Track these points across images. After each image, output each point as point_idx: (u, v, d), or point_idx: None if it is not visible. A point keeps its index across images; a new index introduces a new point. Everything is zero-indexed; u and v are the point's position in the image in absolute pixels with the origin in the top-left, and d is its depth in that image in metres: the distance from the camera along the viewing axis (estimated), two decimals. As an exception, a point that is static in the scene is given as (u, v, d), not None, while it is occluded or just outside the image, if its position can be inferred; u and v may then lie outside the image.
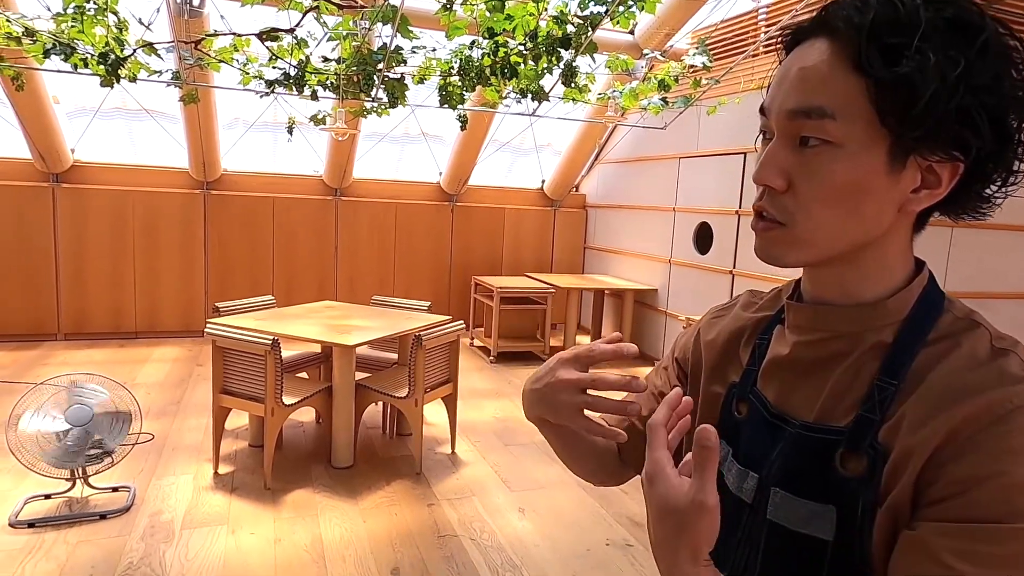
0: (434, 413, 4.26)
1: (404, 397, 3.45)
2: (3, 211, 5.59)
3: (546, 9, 3.52)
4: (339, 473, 3.47)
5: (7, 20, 3.40)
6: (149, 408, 4.21)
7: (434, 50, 3.97)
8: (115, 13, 3.40)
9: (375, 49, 3.87)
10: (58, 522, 2.81)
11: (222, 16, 3.88)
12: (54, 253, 5.78)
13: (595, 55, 3.76)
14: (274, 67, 3.92)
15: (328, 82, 4.01)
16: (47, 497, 2.98)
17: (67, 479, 2.93)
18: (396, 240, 6.88)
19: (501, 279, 6.46)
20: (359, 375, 3.64)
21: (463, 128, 4.69)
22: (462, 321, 3.82)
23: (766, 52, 4.92)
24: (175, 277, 6.16)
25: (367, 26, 3.67)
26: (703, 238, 5.54)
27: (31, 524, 2.78)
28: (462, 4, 3.45)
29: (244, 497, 3.16)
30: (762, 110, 0.62)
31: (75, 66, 3.52)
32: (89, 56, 3.48)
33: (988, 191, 0.59)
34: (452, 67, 4.05)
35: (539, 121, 6.21)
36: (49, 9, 3.44)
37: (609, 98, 4.90)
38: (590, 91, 4.51)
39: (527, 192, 7.47)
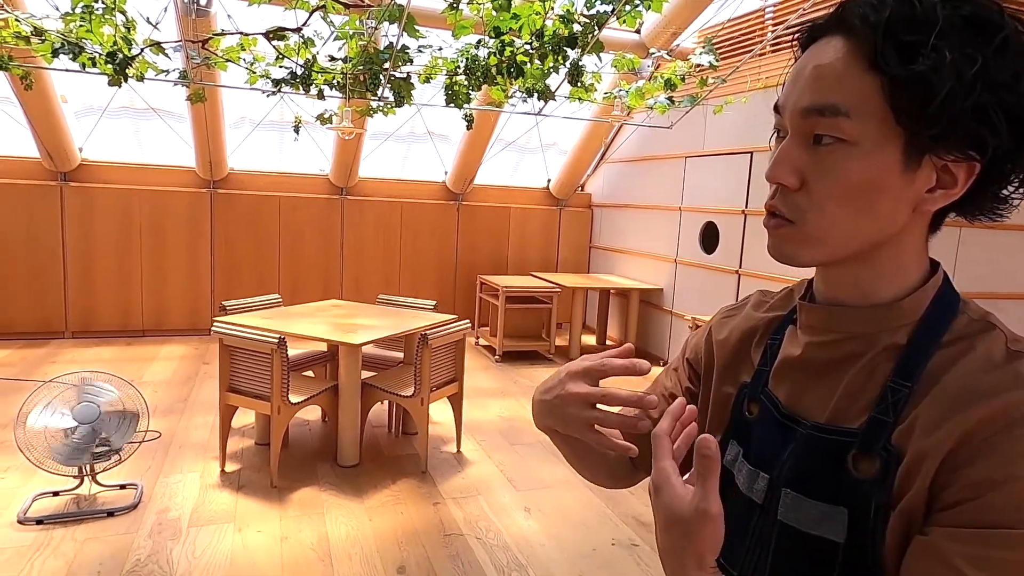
0: (439, 412, 4.26)
1: (410, 396, 3.46)
2: (11, 210, 5.62)
3: (552, 8, 3.52)
4: (345, 472, 3.48)
5: (16, 20, 3.42)
6: (156, 406, 4.23)
7: (440, 49, 3.98)
8: (123, 12, 3.42)
9: (381, 48, 3.87)
10: (66, 519, 2.83)
11: (229, 15, 3.89)
12: (62, 251, 5.81)
13: (601, 54, 3.75)
14: (281, 66, 3.93)
15: (334, 81, 4.02)
16: (55, 494, 2.99)
17: (75, 476, 2.95)
18: (402, 239, 6.88)
19: (506, 278, 6.46)
20: (365, 374, 3.64)
21: (469, 127, 4.70)
22: (468, 320, 3.82)
23: (773, 51, 4.90)
24: (182, 276, 6.18)
25: (373, 25, 3.68)
26: (709, 238, 5.53)
27: (39, 521, 2.80)
28: (468, 3, 3.45)
29: (250, 495, 3.17)
30: (776, 108, 0.61)
31: (83, 65, 3.53)
32: (97, 55, 3.50)
33: (1005, 191, 0.58)
34: (458, 66, 4.05)
35: (545, 120, 6.20)
36: (57, 9, 3.46)
37: (615, 97, 4.90)
38: (596, 90, 4.50)
39: (533, 191, 7.47)
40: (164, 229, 6.08)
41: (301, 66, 3.89)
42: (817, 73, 0.57)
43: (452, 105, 4.23)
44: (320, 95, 4.04)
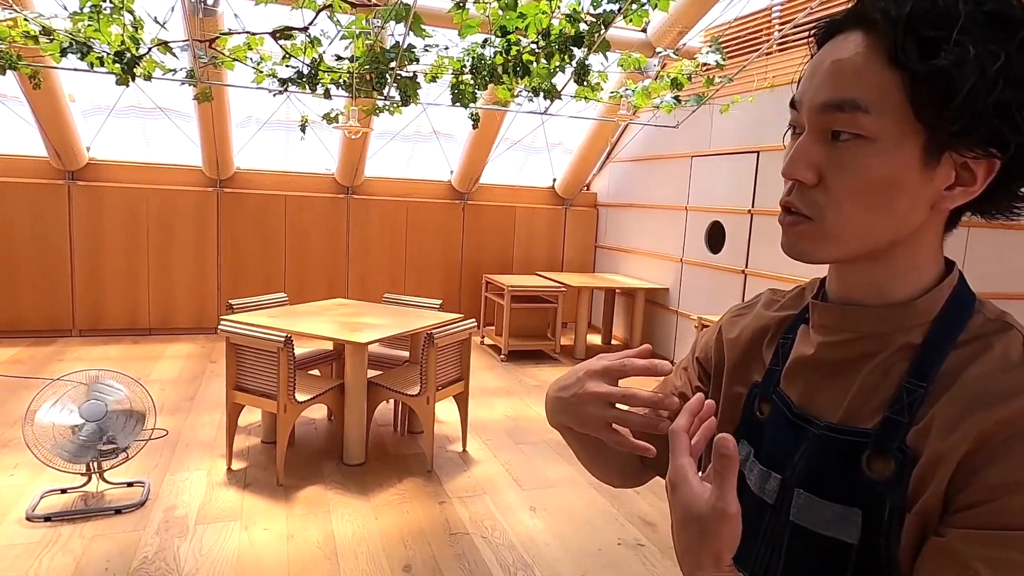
0: (445, 411, 4.26)
1: (416, 395, 3.46)
2: (20, 208, 5.65)
3: (559, 7, 3.51)
4: (351, 470, 3.48)
5: (25, 19, 3.44)
6: (163, 404, 4.25)
7: (446, 48, 3.98)
8: (131, 12, 3.43)
9: (388, 47, 3.88)
10: (74, 516, 2.84)
11: (236, 15, 3.90)
12: (69, 250, 5.84)
13: (608, 53, 3.75)
14: (287, 65, 3.94)
15: (341, 80, 4.02)
16: (63, 492, 3.01)
17: (83, 474, 2.96)
18: (407, 238, 6.89)
19: (512, 278, 6.46)
20: (371, 373, 3.65)
21: (475, 126, 4.70)
22: (473, 319, 3.82)
23: (780, 50, 4.88)
24: (189, 274, 6.21)
25: (380, 24, 3.68)
26: (715, 237, 5.51)
27: (47, 518, 2.81)
28: (475, 2, 3.44)
29: (257, 493, 3.18)
30: (793, 104, 0.61)
31: (91, 64, 3.55)
32: (105, 55, 3.52)
33: None
34: (464, 65, 4.05)
35: (551, 119, 6.20)
36: (66, 8, 3.47)
37: (621, 96, 4.89)
38: (602, 89, 4.50)
39: (538, 191, 7.46)
40: (171, 228, 6.10)
41: (308, 65, 3.90)
42: (836, 68, 0.56)
43: (458, 104, 4.23)
44: (326, 94, 4.05)
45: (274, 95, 4.12)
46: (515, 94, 4.35)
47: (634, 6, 3.41)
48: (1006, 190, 0.57)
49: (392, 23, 3.53)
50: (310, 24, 3.64)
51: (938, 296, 0.60)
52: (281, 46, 3.78)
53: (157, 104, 5.58)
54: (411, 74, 4.06)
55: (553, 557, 2.77)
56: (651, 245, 6.48)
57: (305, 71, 3.92)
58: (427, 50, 3.91)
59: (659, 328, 6.27)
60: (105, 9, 3.36)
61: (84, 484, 3.00)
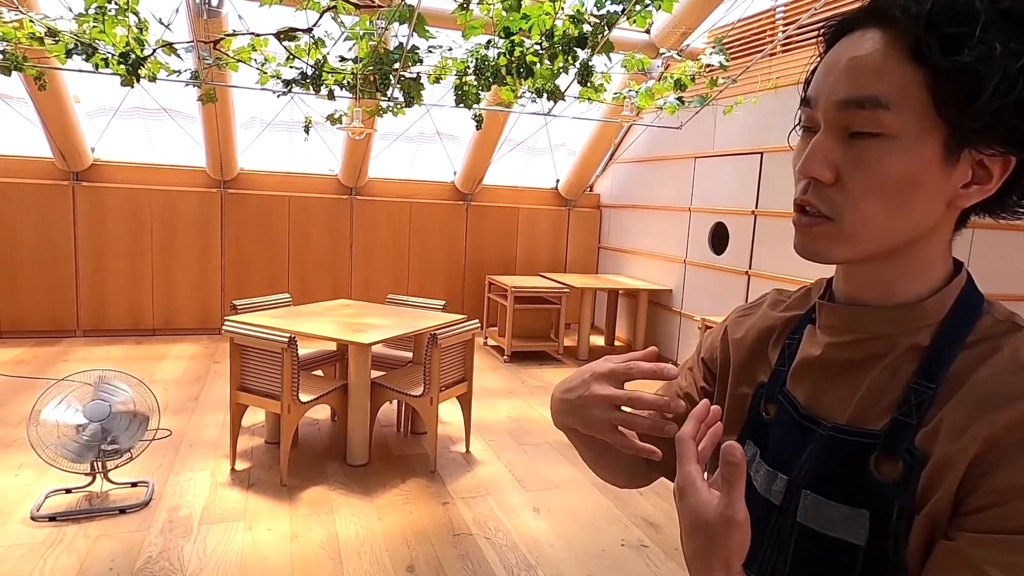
0: (448, 412, 4.27)
1: (419, 396, 3.46)
2: (24, 209, 5.67)
3: (562, 8, 3.52)
4: (354, 471, 3.49)
5: (30, 21, 3.45)
6: (167, 404, 4.26)
7: (450, 49, 3.98)
8: (135, 13, 3.45)
9: (391, 48, 3.88)
10: (78, 516, 2.85)
11: (240, 16, 3.91)
12: (74, 251, 5.85)
13: (611, 54, 3.75)
14: (291, 67, 3.95)
15: (345, 81, 4.03)
16: (68, 491, 3.02)
17: (87, 474, 2.97)
18: (411, 239, 6.90)
19: (515, 278, 6.46)
20: (374, 373, 3.65)
21: (478, 127, 4.70)
22: (476, 320, 3.82)
23: (784, 51, 4.88)
24: (192, 275, 6.22)
25: (384, 26, 3.69)
26: (719, 238, 5.51)
27: (52, 518, 2.82)
28: (478, 3, 3.45)
29: (260, 493, 3.18)
30: (805, 101, 0.60)
31: (96, 66, 3.56)
32: (110, 56, 3.53)
33: None
34: (468, 66, 4.05)
35: (554, 120, 6.20)
36: (71, 10, 3.49)
37: (625, 97, 4.89)
38: (606, 90, 4.50)
39: (541, 192, 7.46)
40: (175, 228, 6.11)
41: (312, 66, 3.91)
42: (854, 65, 0.56)
43: (462, 105, 4.24)
44: (330, 95, 4.06)
45: (278, 96, 4.13)
46: (518, 95, 4.36)
47: (638, 7, 3.41)
48: (1019, 189, 0.57)
49: (396, 24, 3.54)
50: (314, 25, 3.64)
51: (946, 297, 0.60)
52: (285, 47, 3.79)
53: (161, 105, 5.60)
54: (415, 75, 4.07)
55: (556, 558, 2.76)
56: (654, 246, 6.47)
57: (309, 72, 3.93)
58: (431, 51, 3.92)
59: (662, 329, 6.26)
60: (110, 10, 3.37)
61: (88, 484, 3.01)
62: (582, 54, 3.75)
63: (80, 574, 2.46)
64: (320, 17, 3.55)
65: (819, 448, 0.62)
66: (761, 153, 4.96)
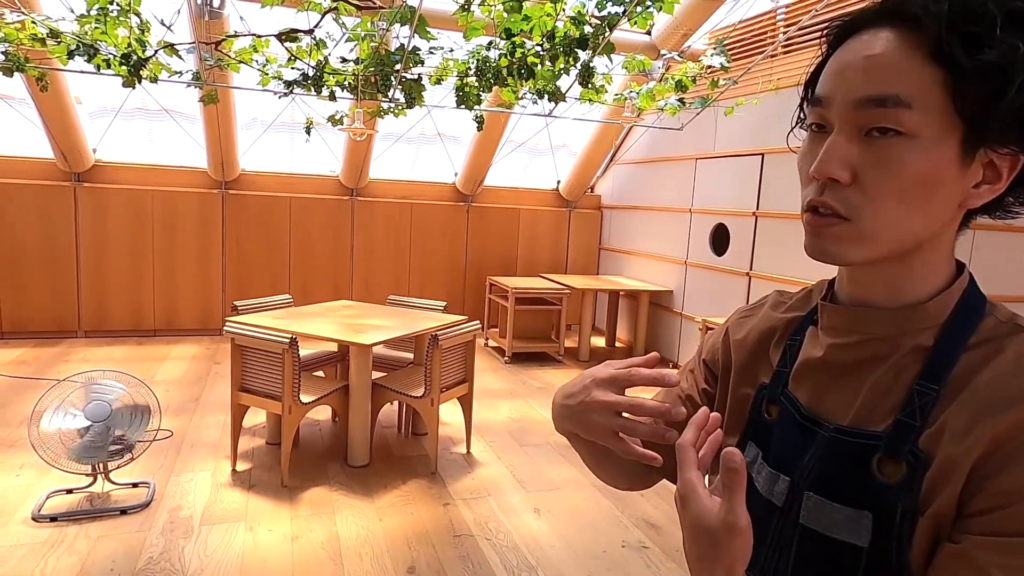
0: (449, 413, 4.27)
1: (420, 397, 3.46)
2: (26, 210, 5.67)
3: (563, 10, 3.52)
4: (355, 472, 3.49)
5: (32, 22, 3.46)
6: (168, 405, 4.26)
7: (451, 51, 3.99)
8: (137, 15, 3.45)
9: (393, 50, 3.89)
10: (79, 517, 2.85)
11: (241, 17, 3.92)
12: (75, 251, 5.86)
13: (612, 56, 3.75)
14: (293, 68, 3.96)
15: (346, 83, 4.03)
16: (69, 492, 3.02)
17: (88, 474, 2.97)
18: (412, 240, 6.90)
19: (516, 280, 6.47)
20: (375, 374, 3.65)
21: (479, 129, 4.71)
22: (477, 321, 3.82)
23: (785, 53, 4.88)
24: (193, 276, 6.22)
25: (385, 27, 3.69)
26: (719, 239, 5.51)
27: (53, 518, 2.82)
28: (480, 5, 3.45)
29: (261, 494, 3.19)
30: (815, 101, 0.59)
31: (98, 67, 3.57)
32: (111, 57, 3.54)
33: None
34: (469, 68, 4.06)
35: (555, 122, 6.20)
36: (73, 11, 3.49)
37: (626, 99, 4.89)
38: (607, 92, 4.50)
39: (542, 193, 7.47)
40: (176, 229, 6.12)
41: (313, 67, 3.91)
42: (871, 63, 0.55)
43: (463, 106, 4.24)
44: (332, 96, 4.06)
45: (279, 97, 4.14)
46: (519, 96, 4.36)
47: (639, 8, 3.42)
48: (1022, 188, 0.58)
49: (397, 25, 3.54)
50: (315, 26, 3.65)
51: (948, 298, 0.60)
52: (287, 48, 3.79)
53: (163, 106, 5.61)
54: (416, 76, 4.07)
55: (557, 559, 2.76)
56: (655, 247, 6.47)
57: (310, 73, 3.94)
58: (432, 52, 3.92)
59: (663, 330, 6.26)
60: (112, 12, 3.38)
61: (90, 485, 3.01)
62: (583, 55, 3.75)
63: (81, 575, 2.46)
64: (321, 18, 3.56)
65: (821, 449, 0.62)
66: (762, 154, 4.96)
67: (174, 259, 6.15)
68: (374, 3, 3.70)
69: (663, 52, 4.88)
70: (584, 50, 3.67)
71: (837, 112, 0.57)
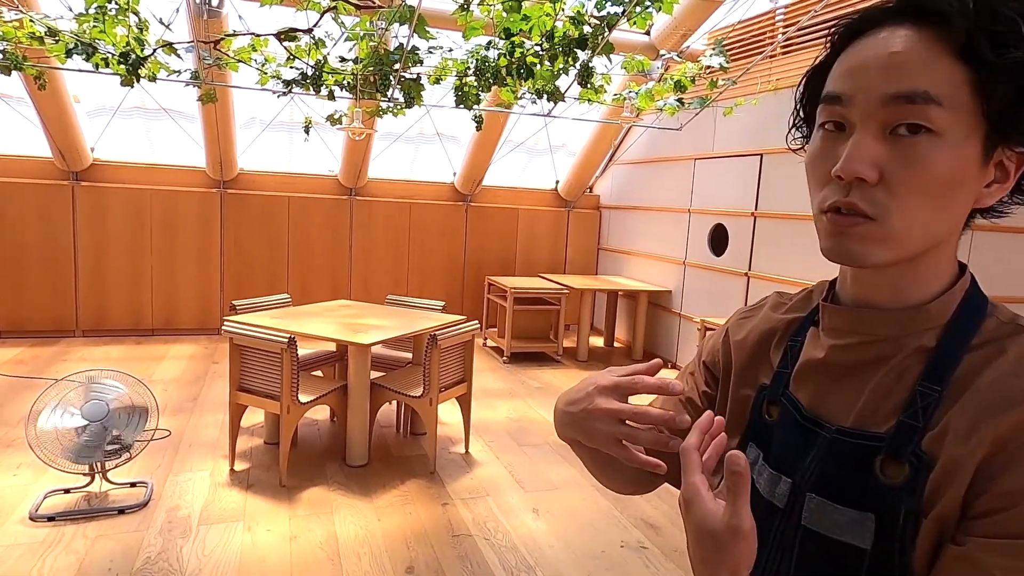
0: (448, 413, 4.26)
1: (419, 396, 3.46)
2: (24, 209, 5.66)
3: (563, 10, 3.52)
4: (354, 471, 3.48)
5: (30, 20, 3.45)
6: (166, 404, 4.25)
7: (450, 50, 3.98)
8: (136, 13, 3.44)
9: (392, 49, 3.88)
10: (77, 516, 2.85)
11: (240, 16, 3.91)
12: (73, 251, 5.85)
13: (611, 56, 3.75)
14: (291, 67, 3.95)
15: (345, 82, 4.03)
16: (66, 492, 3.01)
17: (86, 474, 2.97)
18: (410, 240, 6.90)
19: (514, 279, 6.46)
20: (374, 374, 3.65)
21: (478, 128, 4.70)
22: (476, 321, 3.82)
23: (784, 53, 4.88)
24: (192, 275, 6.22)
25: (384, 26, 3.69)
26: (718, 240, 5.51)
27: (51, 518, 2.81)
28: (479, 4, 3.45)
29: (260, 494, 3.18)
30: (834, 99, 0.58)
31: (96, 65, 3.56)
32: (110, 56, 3.53)
33: None
34: (468, 67, 4.05)
35: (554, 122, 6.20)
36: (71, 9, 3.49)
37: (625, 99, 4.89)
38: (606, 92, 4.50)
39: (541, 193, 7.47)
40: (174, 229, 6.11)
41: (312, 67, 3.91)
42: (897, 60, 0.54)
43: (462, 106, 4.24)
44: (330, 96, 4.06)
45: (278, 96, 4.13)
46: (518, 96, 4.36)
47: (638, 8, 3.42)
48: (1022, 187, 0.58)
49: (396, 25, 3.54)
50: (314, 26, 3.64)
51: (950, 299, 0.60)
52: (285, 47, 3.79)
53: (161, 105, 5.60)
54: (415, 76, 4.07)
55: (556, 559, 2.76)
56: (654, 247, 6.48)
57: (309, 72, 3.93)
58: (431, 52, 3.92)
59: (662, 331, 6.26)
60: (110, 10, 3.37)
61: (87, 484, 3.01)
62: (582, 55, 3.75)
63: (79, 574, 2.46)
64: (320, 17, 3.56)
65: (823, 451, 0.62)
66: (761, 155, 4.96)
67: (172, 258, 6.14)
68: (373, 2, 3.69)
69: (662, 52, 4.88)
70: (583, 50, 3.67)
71: (861, 110, 0.55)
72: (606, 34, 3.58)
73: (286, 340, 3.13)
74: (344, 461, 3.57)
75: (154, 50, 3.61)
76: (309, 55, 3.85)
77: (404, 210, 6.83)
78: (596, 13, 3.55)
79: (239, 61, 3.95)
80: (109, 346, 5.73)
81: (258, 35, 3.81)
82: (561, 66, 3.81)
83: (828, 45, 0.61)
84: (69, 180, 5.79)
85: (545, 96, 4.17)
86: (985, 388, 0.55)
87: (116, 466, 3.01)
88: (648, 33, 5.31)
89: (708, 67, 4.50)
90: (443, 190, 7.02)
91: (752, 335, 0.76)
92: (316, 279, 6.60)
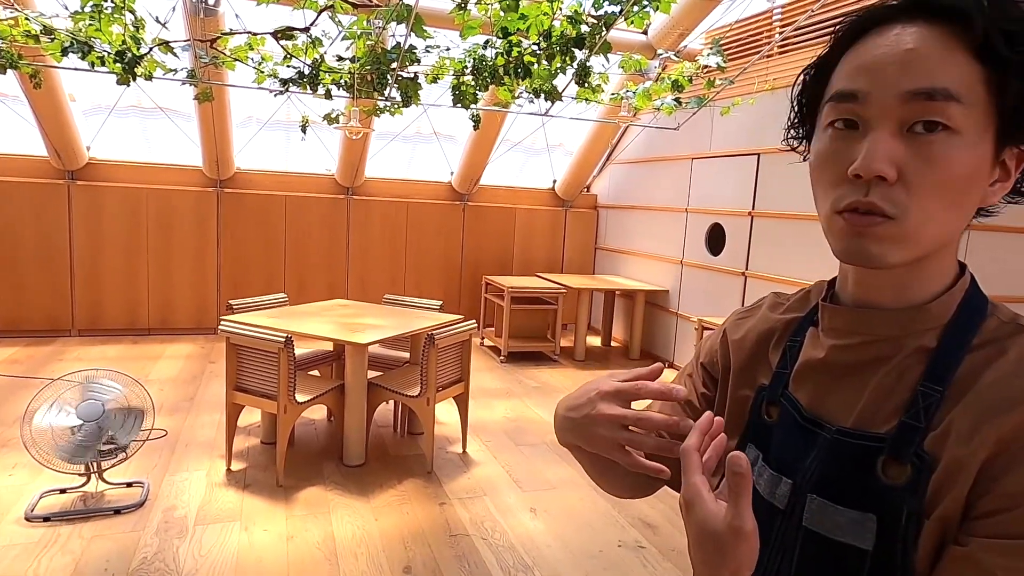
0: (445, 412, 4.26)
1: (416, 396, 3.46)
2: (20, 208, 5.64)
3: (560, 9, 3.52)
4: (351, 471, 3.48)
5: (26, 18, 3.43)
6: (162, 404, 4.24)
7: (448, 49, 3.98)
8: (132, 12, 3.43)
9: (389, 48, 3.88)
10: (73, 517, 2.84)
11: (237, 15, 3.90)
12: (69, 250, 5.83)
13: (609, 55, 3.75)
14: (288, 66, 3.94)
15: (342, 81, 4.02)
16: (62, 492, 3.00)
17: (81, 474, 2.96)
18: (407, 239, 6.89)
19: (512, 279, 6.46)
20: (371, 373, 3.64)
21: (475, 127, 4.69)
22: (473, 321, 3.82)
23: (781, 53, 4.89)
24: (188, 274, 6.20)
25: (381, 25, 3.68)
26: (715, 239, 5.51)
27: (46, 518, 2.80)
28: (476, 3, 3.45)
29: (256, 494, 3.17)
30: (847, 96, 0.56)
31: (92, 64, 3.54)
32: (106, 54, 3.51)
33: None
34: (465, 66, 4.05)
35: (551, 121, 6.20)
36: (67, 8, 3.47)
37: (622, 98, 4.89)
38: (603, 91, 4.50)
39: (538, 192, 7.46)
40: (171, 228, 6.09)
41: (309, 66, 3.90)
42: (914, 57, 0.53)
43: (459, 105, 4.23)
44: (327, 95, 4.05)
45: (275, 95, 4.12)
46: (516, 95, 4.35)
47: (635, 8, 3.41)
48: (1018, 184, 0.58)
49: (394, 24, 3.53)
50: (311, 24, 3.64)
51: (951, 299, 0.60)
52: (282, 46, 3.78)
53: (157, 104, 5.58)
54: (412, 75, 4.06)
55: (553, 559, 2.76)
56: (651, 247, 6.48)
57: (306, 71, 3.92)
58: (428, 51, 3.91)
59: (659, 330, 6.27)
60: (106, 8, 3.35)
61: (83, 484, 3.00)
62: (580, 54, 3.75)
63: (75, 575, 2.45)
64: (317, 16, 3.55)
65: (824, 452, 0.62)
66: (758, 154, 4.97)
67: (169, 258, 6.13)
68: (370, 1, 3.69)
69: (659, 52, 4.88)
70: (581, 49, 3.67)
71: (877, 107, 0.55)
72: (603, 33, 3.57)
73: (283, 340, 3.13)
74: (341, 461, 3.56)
75: (150, 48, 3.60)
76: (306, 54, 3.84)
77: (401, 209, 6.82)
78: (593, 12, 3.55)
79: (236, 60, 3.94)
80: (105, 345, 5.71)
81: (255, 34, 3.80)
82: (558, 65, 3.80)
83: (831, 42, 0.60)
84: (65, 179, 5.77)
85: (542, 95, 4.16)
86: (987, 388, 0.54)
87: (112, 466, 3.00)
88: (645, 32, 5.31)
89: (705, 67, 4.51)
90: (440, 189, 7.01)
91: (750, 335, 0.76)
92: (313, 278, 6.59)
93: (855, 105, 0.56)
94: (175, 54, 3.71)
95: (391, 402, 3.92)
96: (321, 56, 3.88)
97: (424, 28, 3.53)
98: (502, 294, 5.96)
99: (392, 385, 3.58)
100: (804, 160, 0.67)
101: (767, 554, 0.65)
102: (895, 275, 0.60)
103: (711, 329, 4.61)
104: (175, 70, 3.85)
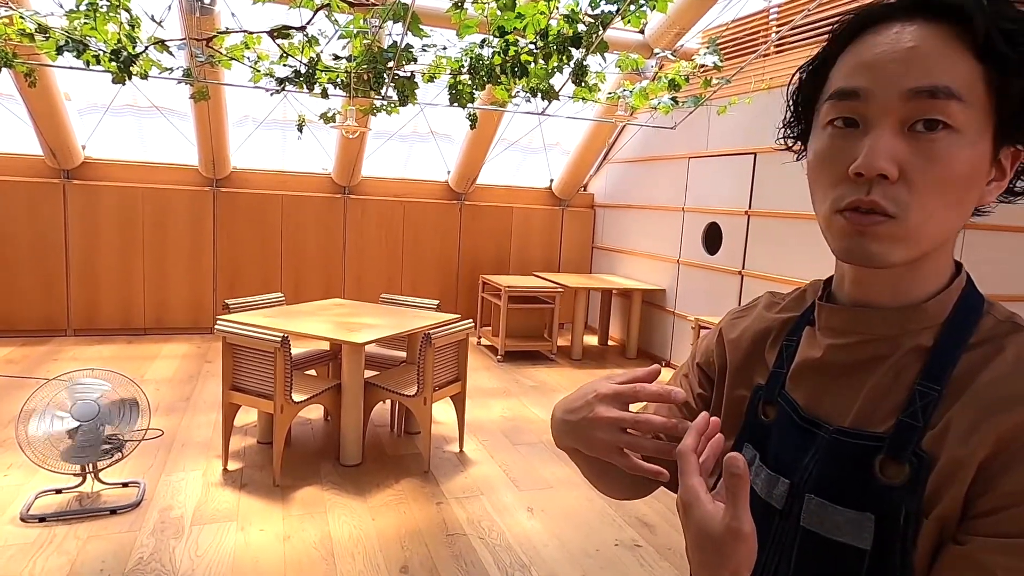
0: (442, 412, 4.25)
1: (413, 395, 3.45)
2: (14, 207, 5.62)
3: (557, 8, 3.51)
4: (348, 471, 3.47)
5: (21, 17, 3.42)
6: (158, 404, 4.23)
7: (444, 48, 3.97)
8: (127, 10, 3.42)
9: (386, 47, 3.87)
10: (69, 517, 2.83)
11: (233, 14, 3.88)
12: (64, 249, 5.81)
13: (605, 54, 3.75)
14: (285, 65, 3.93)
15: (338, 80, 4.01)
16: (58, 492, 2.99)
17: (77, 474, 2.95)
18: (404, 238, 6.88)
19: (509, 278, 6.46)
20: (368, 373, 3.64)
21: (472, 127, 4.69)
22: (470, 320, 3.81)
23: (777, 52, 4.89)
24: (184, 274, 6.18)
25: (378, 24, 3.67)
26: (712, 238, 5.52)
27: (42, 519, 2.79)
28: (473, 2, 3.44)
29: (253, 494, 3.17)
30: (849, 94, 0.56)
31: (87, 63, 3.53)
32: (101, 53, 3.50)
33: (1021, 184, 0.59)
34: (462, 65, 4.04)
35: (548, 120, 6.20)
36: (62, 6, 3.45)
37: (619, 97, 4.89)
38: (600, 90, 4.49)
39: (535, 191, 7.46)
40: (167, 227, 6.08)
41: (305, 64, 3.89)
42: (916, 55, 0.53)
43: (456, 104, 4.22)
44: (324, 94, 4.04)
45: (271, 94, 4.11)
46: (513, 94, 4.35)
47: (632, 7, 3.41)
48: (1013, 183, 0.58)
49: (390, 23, 3.53)
50: (308, 23, 3.63)
51: (947, 298, 0.60)
52: (279, 45, 3.77)
53: (153, 103, 5.56)
54: (409, 74, 4.05)
55: (551, 558, 2.76)
56: (648, 246, 6.48)
57: (302, 70, 3.91)
58: (425, 50, 3.90)
59: (656, 329, 6.27)
60: (101, 7, 3.34)
61: (79, 484, 2.99)
62: (576, 54, 3.75)
63: (71, 575, 2.44)
64: (314, 15, 3.54)
65: (822, 451, 0.61)
66: (755, 153, 4.97)
67: (165, 257, 6.11)
68: (367, 0, 3.68)
69: (656, 51, 4.88)
70: (577, 48, 3.67)
71: (879, 105, 0.54)
72: (600, 32, 3.57)
73: (279, 339, 3.12)
74: (338, 460, 3.56)
75: (146, 47, 3.58)
76: (302, 53, 3.83)
77: (398, 208, 6.81)
78: (590, 11, 3.54)
79: (232, 59, 3.92)
80: (101, 345, 5.70)
81: (251, 32, 3.79)
82: (555, 64, 3.80)
83: (828, 41, 0.60)
84: (60, 178, 5.75)
85: (539, 94, 4.16)
86: (985, 387, 0.54)
87: (108, 466, 3.00)
88: (642, 32, 5.31)
89: (702, 66, 4.50)
90: (437, 188, 7.00)
91: (746, 335, 0.75)
92: (309, 278, 6.57)
93: (856, 103, 0.56)
94: (171, 53, 3.70)
95: (388, 402, 3.92)
96: (317, 55, 3.87)
97: (421, 27, 3.52)
98: (499, 293, 5.96)
99: (389, 384, 3.58)
100: (799, 160, 0.67)
101: (765, 554, 0.65)
102: (893, 274, 0.60)
103: (708, 328, 4.62)
104: (171, 69, 3.83)
